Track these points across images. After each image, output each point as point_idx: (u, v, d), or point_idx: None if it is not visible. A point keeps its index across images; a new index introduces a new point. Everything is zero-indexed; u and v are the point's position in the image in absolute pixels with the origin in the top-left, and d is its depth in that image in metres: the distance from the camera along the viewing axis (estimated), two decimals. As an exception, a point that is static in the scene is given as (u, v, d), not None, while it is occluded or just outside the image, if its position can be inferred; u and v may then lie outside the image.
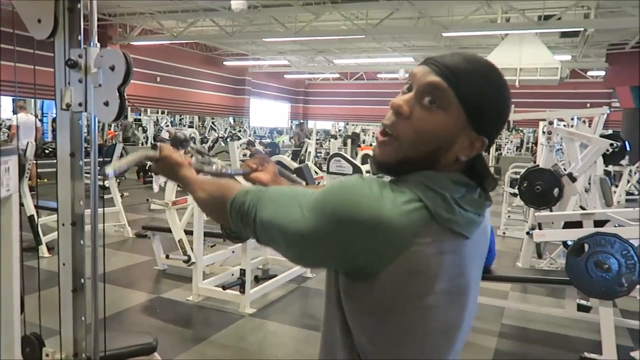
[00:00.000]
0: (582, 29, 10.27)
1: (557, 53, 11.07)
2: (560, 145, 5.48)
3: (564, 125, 6.44)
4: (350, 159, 5.79)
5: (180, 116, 17.16)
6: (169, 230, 4.29)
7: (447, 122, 0.78)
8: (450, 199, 0.76)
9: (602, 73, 15.34)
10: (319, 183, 5.35)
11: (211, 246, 4.53)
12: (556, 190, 4.33)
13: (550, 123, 4.78)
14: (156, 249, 4.62)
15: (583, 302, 3.56)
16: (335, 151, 6.16)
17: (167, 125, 13.12)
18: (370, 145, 13.37)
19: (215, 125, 17.96)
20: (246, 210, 0.85)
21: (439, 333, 0.80)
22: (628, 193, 7.03)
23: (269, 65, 19.46)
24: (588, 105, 16.16)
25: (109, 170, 1.01)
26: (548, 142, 4.61)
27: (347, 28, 11.41)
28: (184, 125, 15.72)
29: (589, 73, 17.01)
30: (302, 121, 22.86)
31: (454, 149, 0.80)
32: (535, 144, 12.16)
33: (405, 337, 0.78)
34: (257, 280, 4.23)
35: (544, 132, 4.92)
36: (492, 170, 11.78)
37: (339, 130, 16.19)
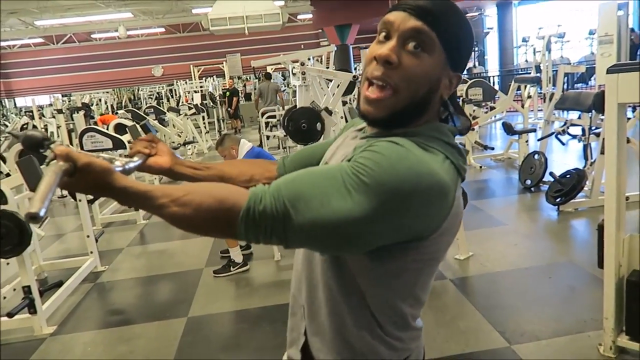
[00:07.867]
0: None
1: (273, -1, 11.75)
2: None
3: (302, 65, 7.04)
4: (106, 131, 5.21)
5: None
6: None
7: (434, 64, 0.78)
8: (463, 151, 0.79)
9: (310, 16, 17.11)
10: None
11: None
12: (319, 125, 4.80)
13: (303, 64, 5.15)
14: None
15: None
16: (85, 126, 5.40)
17: None
18: (110, 114, 12.11)
19: None
20: (271, 219, 0.70)
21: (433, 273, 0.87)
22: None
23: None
24: (302, 46, 17.92)
25: (36, 209, 0.60)
26: (304, 82, 4.98)
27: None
28: None
29: (299, 17, 18.69)
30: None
31: (440, 89, 0.81)
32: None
33: (427, 283, 0.84)
34: (41, 293, 3.51)
35: (294, 74, 5.30)
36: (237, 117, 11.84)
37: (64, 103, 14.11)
